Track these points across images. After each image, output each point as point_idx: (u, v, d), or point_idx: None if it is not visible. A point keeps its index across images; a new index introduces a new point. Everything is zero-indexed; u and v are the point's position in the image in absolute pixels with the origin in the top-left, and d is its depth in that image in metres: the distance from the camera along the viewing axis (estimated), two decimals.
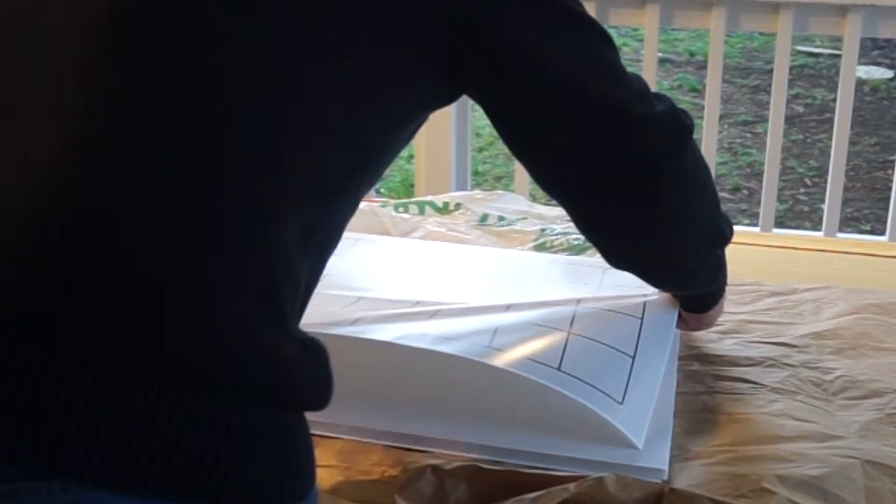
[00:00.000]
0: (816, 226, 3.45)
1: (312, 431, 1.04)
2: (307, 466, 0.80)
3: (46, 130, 0.73)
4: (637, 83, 0.96)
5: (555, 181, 0.99)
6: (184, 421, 0.70)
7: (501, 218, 1.60)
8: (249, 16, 0.75)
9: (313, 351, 0.80)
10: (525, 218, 1.60)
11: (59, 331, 0.69)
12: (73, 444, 0.67)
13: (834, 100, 2.62)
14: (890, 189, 2.47)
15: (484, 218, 1.60)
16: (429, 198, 1.67)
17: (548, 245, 1.52)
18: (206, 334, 0.71)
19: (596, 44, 0.93)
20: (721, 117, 3.04)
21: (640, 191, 0.97)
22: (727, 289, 1.36)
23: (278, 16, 0.76)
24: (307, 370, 0.79)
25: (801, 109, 4.92)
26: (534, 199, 2.03)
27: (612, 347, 1.11)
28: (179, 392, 0.70)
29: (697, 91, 5.00)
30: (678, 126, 1.00)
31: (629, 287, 1.35)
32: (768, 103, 2.52)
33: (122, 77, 0.73)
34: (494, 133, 0.96)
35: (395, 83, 0.83)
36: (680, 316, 1.21)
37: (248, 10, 0.75)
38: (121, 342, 0.69)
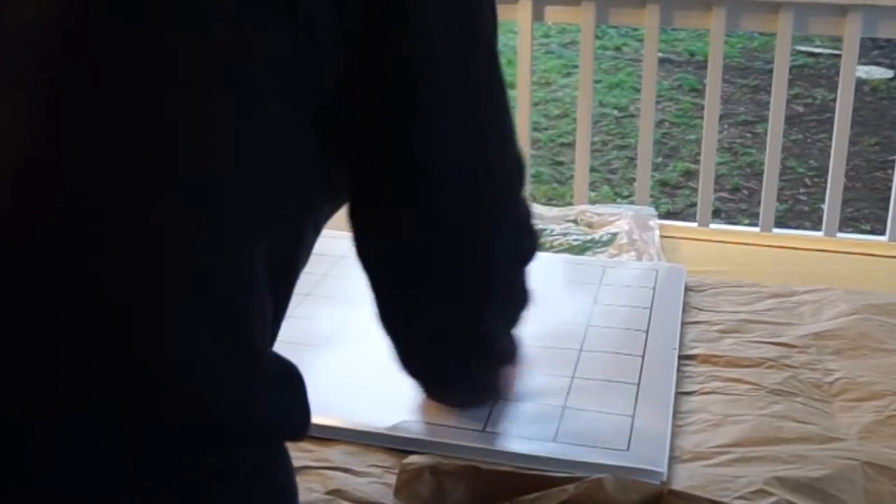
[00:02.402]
0: (816, 226, 3.45)
1: (312, 433, 1.04)
2: (288, 495, 0.78)
3: None
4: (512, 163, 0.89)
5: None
6: (156, 466, 0.68)
7: None
8: (194, 30, 0.69)
9: (287, 381, 0.76)
10: None
11: (12, 379, 0.65)
12: (38, 493, 0.65)
13: (834, 100, 2.62)
14: (890, 189, 2.46)
15: None
16: None
17: (547, 245, 1.52)
18: (172, 377, 0.68)
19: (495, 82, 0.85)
20: (721, 117, 3.04)
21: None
22: (726, 288, 1.36)
23: (218, 26, 0.70)
24: (282, 404, 0.75)
25: (801, 109, 4.92)
26: (533, 199, 2.02)
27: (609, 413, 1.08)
28: (146, 437, 0.67)
29: (697, 91, 5.00)
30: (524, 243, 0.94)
31: (631, 287, 1.35)
32: (768, 103, 2.52)
33: (62, 102, 0.68)
34: None
35: (312, 68, 0.75)
36: None
37: (193, 25, 0.70)
38: (84, 389, 0.66)
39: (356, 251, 0.87)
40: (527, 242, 0.94)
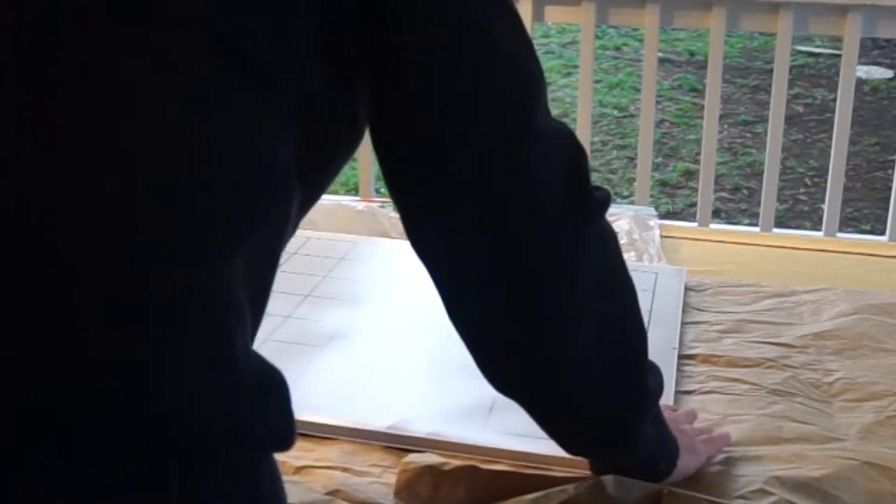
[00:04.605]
0: (816, 226, 3.45)
1: (312, 432, 1.04)
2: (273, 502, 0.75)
3: None
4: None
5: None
6: (128, 480, 0.66)
7: None
8: (134, 22, 0.64)
9: (270, 390, 0.73)
10: None
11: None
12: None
13: (834, 100, 2.62)
14: (890, 189, 2.46)
15: None
16: None
17: None
18: (146, 390, 0.66)
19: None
20: (721, 117, 3.04)
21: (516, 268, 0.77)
22: (726, 288, 1.36)
23: (172, 14, 0.65)
24: (264, 414, 0.72)
25: (801, 109, 4.92)
26: None
27: None
28: (118, 450, 0.66)
29: (697, 91, 5.00)
30: (580, 203, 0.79)
31: None
32: (768, 103, 2.52)
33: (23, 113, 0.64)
34: None
35: (294, 64, 0.71)
36: None
37: (132, 16, 0.65)
38: (72, 401, 0.65)
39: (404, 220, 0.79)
40: (565, 161, 0.78)
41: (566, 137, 0.79)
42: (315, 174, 0.77)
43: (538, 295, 0.78)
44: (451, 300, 0.80)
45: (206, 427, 0.68)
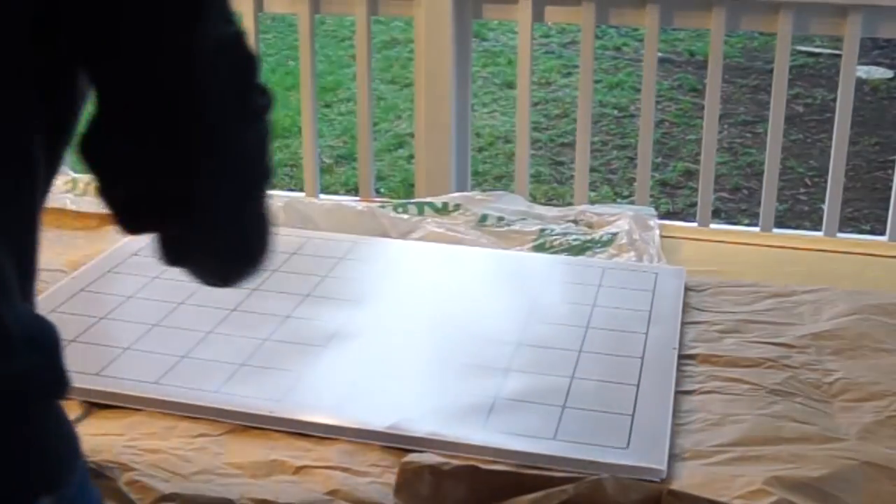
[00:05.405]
0: (816, 226, 3.44)
1: (312, 432, 1.04)
2: (56, 452, 0.78)
3: None
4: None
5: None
6: None
7: (501, 218, 1.60)
8: None
9: (39, 346, 0.78)
10: (524, 218, 1.60)
11: None
12: None
13: (834, 100, 2.62)
14: (890, 189, 2.46)
15: (483, 218, 1.60)
16: (428, 198, 1.67)
17: (547, 245, 1.52)
18: None
19: None
20: (721, 117, 3.04)
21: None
22: (726, 288, 1.36)
23: None
24: (36, 369, 0.77)
25: (801, 109, 4.92)
26: (533, 199, 2.02)
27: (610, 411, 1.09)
28: None
29: (697, 91, 5.00)
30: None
31: (630, 291, 1.35)
32: (768, 103, 2.52)
33: None
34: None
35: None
36: None
37: None
38: None
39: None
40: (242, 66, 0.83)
41: (233, 42, 0.82)
42: (62, 132, 0.80)
43: (191, 182, 0.81)
44: (105, 183, 0.81)
45: None
